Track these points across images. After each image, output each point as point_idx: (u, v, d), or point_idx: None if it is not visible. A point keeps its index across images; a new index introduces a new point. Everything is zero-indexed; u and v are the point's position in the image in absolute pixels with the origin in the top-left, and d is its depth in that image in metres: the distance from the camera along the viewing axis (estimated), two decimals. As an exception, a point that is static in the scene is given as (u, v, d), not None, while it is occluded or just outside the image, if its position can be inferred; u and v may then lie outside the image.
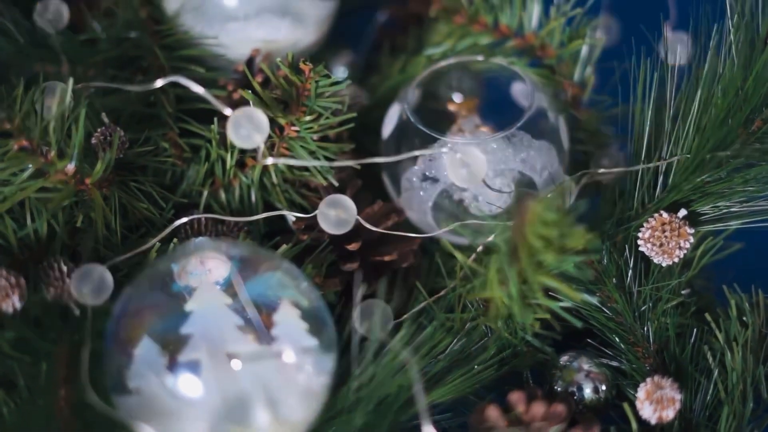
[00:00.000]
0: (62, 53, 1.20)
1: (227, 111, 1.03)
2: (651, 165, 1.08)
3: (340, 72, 1.34)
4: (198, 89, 1.02)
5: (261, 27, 1.19)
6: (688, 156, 1.08)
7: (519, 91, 1.21)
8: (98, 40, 1.20)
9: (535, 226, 0.94)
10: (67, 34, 1.21)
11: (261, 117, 1.03)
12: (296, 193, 1.13)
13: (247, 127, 1.03)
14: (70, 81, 1.04)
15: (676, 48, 1.22)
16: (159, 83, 1.02)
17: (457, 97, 1.22)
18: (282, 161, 1.08)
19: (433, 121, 1.21)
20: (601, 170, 1.10)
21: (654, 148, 1.10)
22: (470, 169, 1.06)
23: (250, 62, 1.18)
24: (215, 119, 1.11)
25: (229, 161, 1.11)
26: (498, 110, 1.22)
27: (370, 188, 1.19)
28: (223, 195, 1.13)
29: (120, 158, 1.09)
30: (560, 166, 1.15)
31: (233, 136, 1.03)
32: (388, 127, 1.17)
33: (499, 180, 1.12)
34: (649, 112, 1.10)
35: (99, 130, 1.10)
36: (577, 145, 1.20)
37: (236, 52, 1.19)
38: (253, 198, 1.13)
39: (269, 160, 1.06)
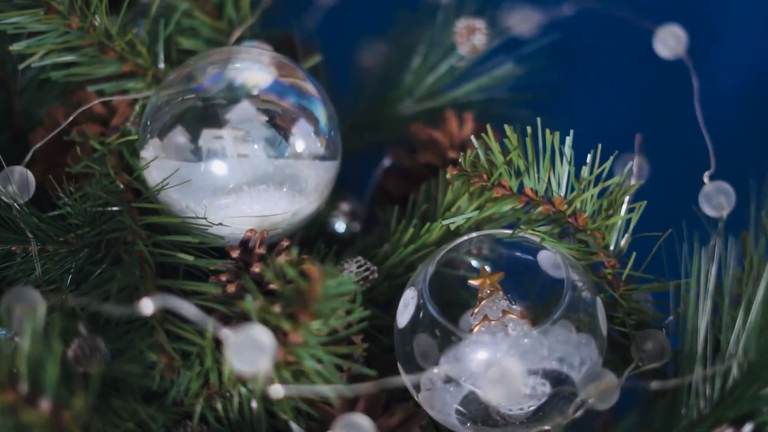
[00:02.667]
0: (29, 231, 1.05)
1: (225, 334, 0.89)
2: (708, 371, 0.95)
3: (340, 226, 1.20)
4: (190, 312, 0.88)
5: (255, 201, 1.04)
6: (752, 360, 0.95)
7: (547, 260, 1.08)
8: (69, 215, 1.06)
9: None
10: (33, 209, 1.06)
11: (265, 338, 0.89)
12: (303, 400, 1.00)
13: (250, 351, 0.89)
14: (44, 304, 0.89)
15: (720, 203, 1.10)
16: (147, 308, 0.87)
17: (479, 270, 1.09)
18: (292, 390, 0.94)
19: (450, 296, 1.09)
20: (653, 385, 0.97)
21: (709, 343, 0.98)
22: (507, 386, 0.92)
23: (244, 243, 1.04)
24: (210, 323, 0.97)
25: (227, 373, 0.97)
26: (525, 282, 1.09)
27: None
28: (220, 405, 0.99)
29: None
30: (599, 356, 1.02)
31: (234, 363, 0.89)
32: (403, 315, 1.03)
33: (532, 379, 1.00)
34: (705, 308, 0.97)
35: (76, 341, 0.96)
36: (614, 323, 1.07)
37: (228, 231, 1.05)
38: (255, 406, 0.99)
39: (276, 390, 0.92)
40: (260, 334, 0.89)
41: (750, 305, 0.97)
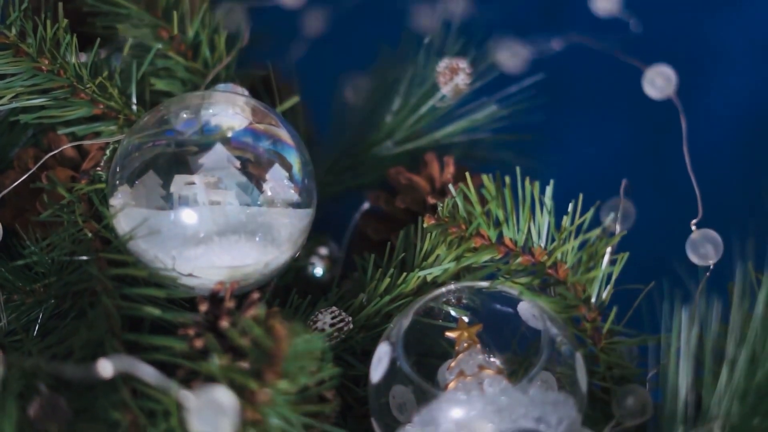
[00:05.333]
0: (-6, 281, 1.03)
1: (185, 396, 0.86)
2: (690, 433, 0.92)
3: (318, 271, 1.17)
4: (150, 375, 0.85)
5: (226, 252, 1.01)
6: (734, 424, 0.92)
7: (527, 311, 1.04)
8: (36, 264, 1.03)
9: None
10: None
11: (226, 400, 0.86)
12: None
13: (211, 414, 0.86)
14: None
15: (707, 251, 1.07)
16: (106, 371, 0.85)
17: (456, 320, 1.06)
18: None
19: (429, 346, 1.06)
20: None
21: (690, 404, 0.94)
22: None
23: (213, 296, 1.01)
24: (171, 385, 0.93)
25: None
26: (504, 333, 1.06)
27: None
28: (187, 464, 0.97)
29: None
30: (578, 414, 0.99)
31: (195, 426, 0.86)
32: (377, 370, 1.01)
33: (509, 438, 0.97)
34: (686, 367, 0.94)
35: (37, 400, 0.93)
36: (594, 377, 1.04)
37: (198, 282, 1.02)
38: (223, 464, 0.96)
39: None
40: (222, 397, 0.86)
41: (734, 364, 0.93)
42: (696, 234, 1.08)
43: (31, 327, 1.03)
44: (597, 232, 1.02)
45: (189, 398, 0.85)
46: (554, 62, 1.27)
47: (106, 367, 0.85)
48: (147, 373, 0.85)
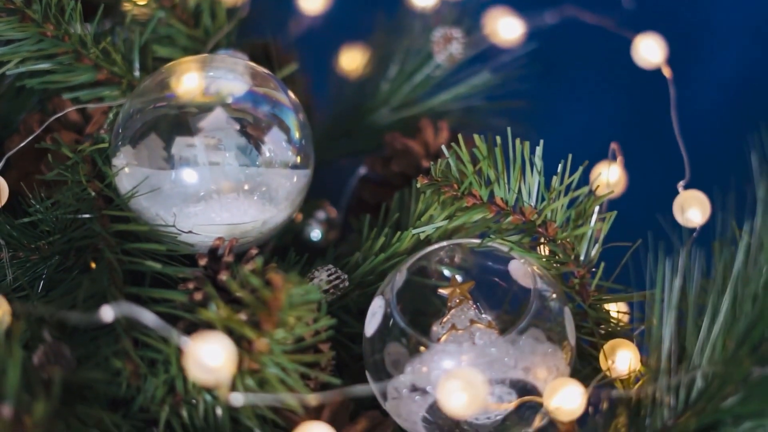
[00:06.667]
0: (0, 238, 1.06)
1: (184, 342, 0.89)
2: (672, 382, 0.95)
3: (315, 235, 1.20)
4: (150, 320, 0.88)
5: (225, 209, 1.05)
6: (716, 371, 0.94)
7: (518, 270, 1.07)
8: (41, 222, 1.07)
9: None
10: (5, 216, 1.07)
11: (224, 347, 0.89)
12: (268, 408, 1.00)
13: (208, 360, 0.89)
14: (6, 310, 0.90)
15: (694, 212, 1.10)
16: (108, 315, 0.88)
17: (449, 279, 1.09)
18: (254, 399, 0.94)
19: (422, 304, 1.08)
20: (614, 394, 0.97)
21: (674, 353, 0.97)
22: (468, 396, 0.92)
23: (212, 251, 1.04)
24: (171, 331, 0.97)
25: (192, 380, 0.97)
26: (497, 291, 1.09)
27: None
28: (185, 412, 1.00)
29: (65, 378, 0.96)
30: (567, 367, 1.02)
31: (193, 371, 0.89)
32: (371, 324, 1.04)
33: (498, 388, 0.99)
34: (669, 318, 0.96)
35: (41, 347, 0.96)
36: (582, 332, 1.07)
37: (198, 239, 1.06)
38: (219, 413, 1.00)
39: (235, 398, 0.92)
40: (219, 343, 0.89)
41: (715, 315, 0.96)
42: (683, 195, 1.11)
43: (36, 282, 1.06)
44: (584, 190, 1.04)
45: (187, 343, 0.88)
46: (547, 33, 1.30)
47: (107, 312, 0.87)
48: (147, 318, 0.88)
